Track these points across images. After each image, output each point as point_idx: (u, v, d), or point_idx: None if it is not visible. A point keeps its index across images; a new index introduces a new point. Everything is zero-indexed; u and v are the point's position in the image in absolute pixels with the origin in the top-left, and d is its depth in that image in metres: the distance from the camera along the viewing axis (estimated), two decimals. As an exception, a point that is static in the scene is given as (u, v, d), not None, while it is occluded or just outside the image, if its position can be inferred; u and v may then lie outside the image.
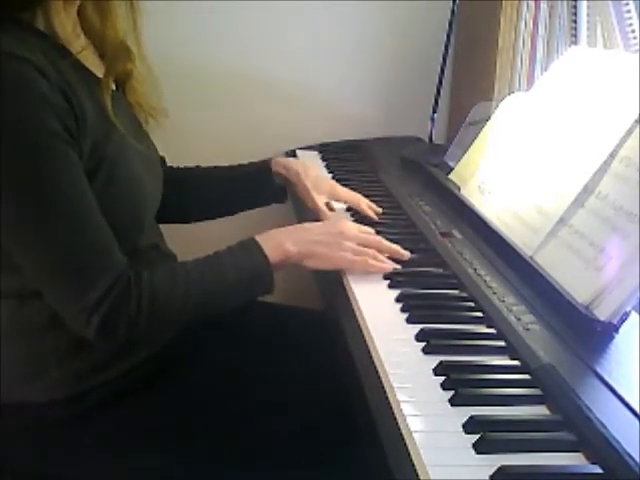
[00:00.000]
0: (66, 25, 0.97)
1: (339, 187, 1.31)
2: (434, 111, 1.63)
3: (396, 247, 1.07)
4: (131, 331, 0.91)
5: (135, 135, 1.03)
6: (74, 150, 0.89)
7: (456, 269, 1.03)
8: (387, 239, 1.12)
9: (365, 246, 1.04)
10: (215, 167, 1.33)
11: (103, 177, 0.94)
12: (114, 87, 1.06)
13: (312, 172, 1.29)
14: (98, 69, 1.00)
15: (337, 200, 1.30)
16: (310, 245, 1.02)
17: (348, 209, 1.31)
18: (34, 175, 0.87)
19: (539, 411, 0.73)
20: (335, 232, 1.04)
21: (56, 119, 0.87)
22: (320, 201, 1.26)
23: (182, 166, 1.32)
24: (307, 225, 1.09)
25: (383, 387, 0.77)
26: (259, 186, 1.29)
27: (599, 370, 0.78)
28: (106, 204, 0.93)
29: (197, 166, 1.33)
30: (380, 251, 1.05)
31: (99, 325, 0.89)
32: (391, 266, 1.03)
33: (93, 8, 0.99)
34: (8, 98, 0.85)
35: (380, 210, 1.28)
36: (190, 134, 1.69)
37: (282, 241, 1.01)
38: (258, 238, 1.00)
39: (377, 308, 0.93)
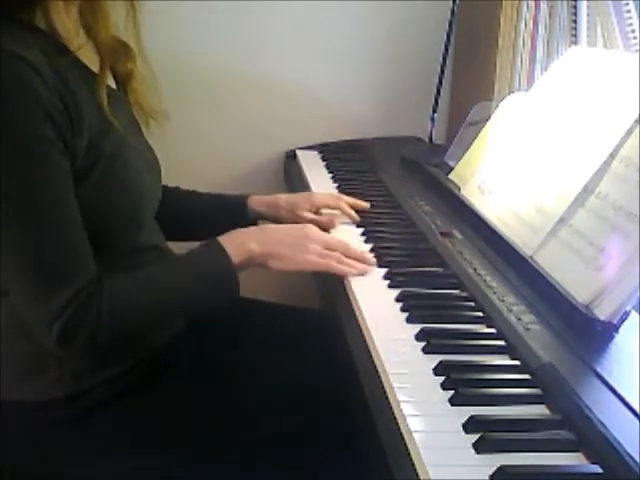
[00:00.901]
0: (66, 23, 0.97)
1: (315, 195, 1.29)
2: (434, 111, 1.63)
3: (362, 252, 1.06)
4: (91, 337, 0.90)
5: (134, 135, 1.03)
6: (63, 154, 0.89)
7: (456, 269, 1.03)
8: (387, 239, 1.13)
9: (331, 249, 1.03)
10: (192, 192, 1.30)
11: (100, 173, 0.94)
12: (115, 86, 1.06)
13: (282, 203, 1.25)
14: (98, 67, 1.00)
15: (318, 208, 1.26)
16: (274, 246, 1.01)
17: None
18: (21, 176, 0.87)
19: (539, 411, 0.73)
20: (300, 234, 1.04)
21: (49, 121, 0.87)
22: (309, 216, 1.23)
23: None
24: (272, 226, 1.09)
25: (383, 387, 0.77)
26: (228, 221, 1.21)
27: (599, 370, 0.77)
28: (105, 201, 0.93)
29: (177, 187, 1.29)
30: (347, 255, 1.04)
31: (60, 332, 0.89)
32: (356, 270, 1.02)
33: (85, 7, 0.98)
34: (5, 97, 0.85)
35: (366, 204, 1.27)
36: (190, 134, 1.69)
37: (245, 241, 1.00)
38: (221, 238, 1.00)
39: (377, 308, 0.93)
